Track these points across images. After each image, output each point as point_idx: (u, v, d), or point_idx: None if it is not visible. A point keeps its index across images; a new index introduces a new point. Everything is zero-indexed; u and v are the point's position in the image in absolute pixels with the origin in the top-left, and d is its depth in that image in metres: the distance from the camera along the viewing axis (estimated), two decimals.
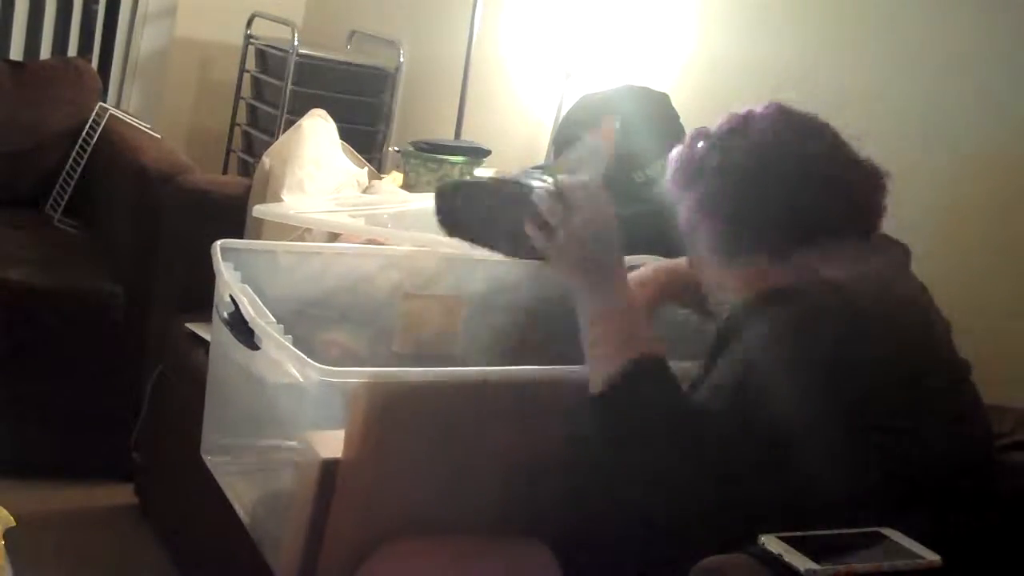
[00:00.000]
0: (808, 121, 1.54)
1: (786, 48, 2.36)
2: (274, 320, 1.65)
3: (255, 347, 1.65)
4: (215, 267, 1.81)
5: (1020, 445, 1.52)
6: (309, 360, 1.52)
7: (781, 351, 1.34)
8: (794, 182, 1.47)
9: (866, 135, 2.15)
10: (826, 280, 1.41)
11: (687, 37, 2.59)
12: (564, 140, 2.45)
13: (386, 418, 1.55)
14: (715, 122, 1.56)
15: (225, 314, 1.71)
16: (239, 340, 1.67)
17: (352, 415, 1.54)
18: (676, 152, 1.59)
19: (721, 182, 1.51)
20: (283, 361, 1.59)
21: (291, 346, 1.57)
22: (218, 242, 1.86)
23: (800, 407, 1.30)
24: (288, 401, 1.64)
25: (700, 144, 1.56)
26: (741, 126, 1.53)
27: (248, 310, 1.66)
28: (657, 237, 2.21)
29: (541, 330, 2.14)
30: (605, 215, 1.48)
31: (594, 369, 1.42)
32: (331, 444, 1.57)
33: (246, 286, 1.73)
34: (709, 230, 1.53)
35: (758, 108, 1.55)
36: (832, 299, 1.38)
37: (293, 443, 1.66)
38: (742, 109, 1.56)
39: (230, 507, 1.83)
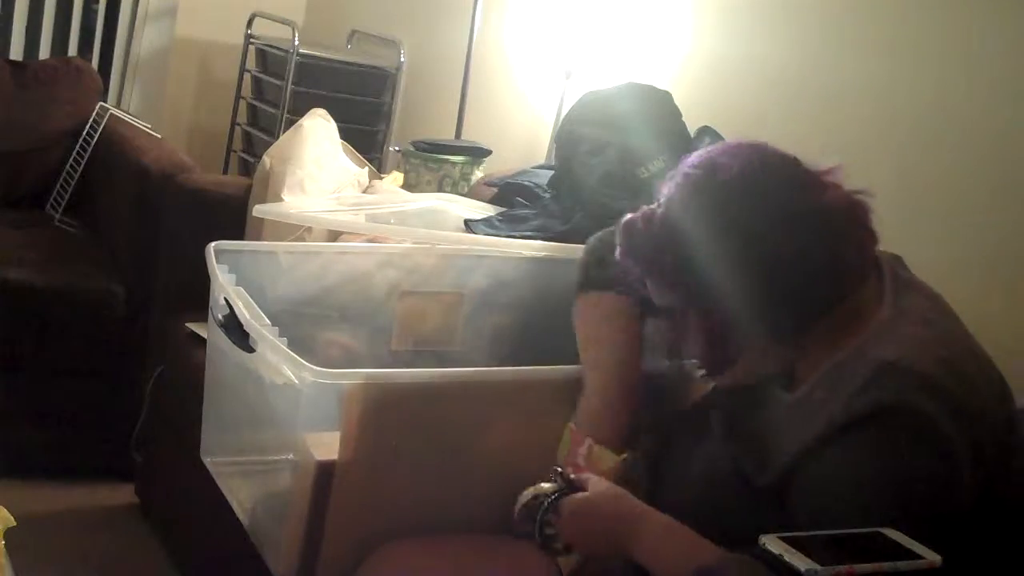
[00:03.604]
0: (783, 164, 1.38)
1: (785, 46, 2.36)
2: (269, 322, 1.64)
3: (250, 350, 1.64)
4: (209, 269, 1.79)
5: None
6: (303, 361, 1.51)
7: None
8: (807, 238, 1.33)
9: (865, 134, 2.17)
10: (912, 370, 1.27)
11: (686, 36, 2.59)
12: (565, 139, 2.45)
13: (381, 419, 1.55)
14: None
15: (220, 316, 1.70)
16: (234, 343, 1.67)
17: (347, 416, 1.53)
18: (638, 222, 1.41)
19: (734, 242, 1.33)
20: (278, 363, 1.58)
21: (285, 348, 1.56)
22: (212, 244, 1.84)
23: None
24: (284, 402, 1.64)
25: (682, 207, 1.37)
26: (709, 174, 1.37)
27: (243, 312, 1.65)
28: None
29: (541, 326, 2.13)
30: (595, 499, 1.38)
31: None
32: (327, 446, 1.57)
33: (241, 288, 1.72)
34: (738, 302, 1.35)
35: (717, 152, 1.39)
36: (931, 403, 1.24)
37: (290, 445, 1.65)
38: (695, 158, 1.39)
39: (230, 507, 1.83)
